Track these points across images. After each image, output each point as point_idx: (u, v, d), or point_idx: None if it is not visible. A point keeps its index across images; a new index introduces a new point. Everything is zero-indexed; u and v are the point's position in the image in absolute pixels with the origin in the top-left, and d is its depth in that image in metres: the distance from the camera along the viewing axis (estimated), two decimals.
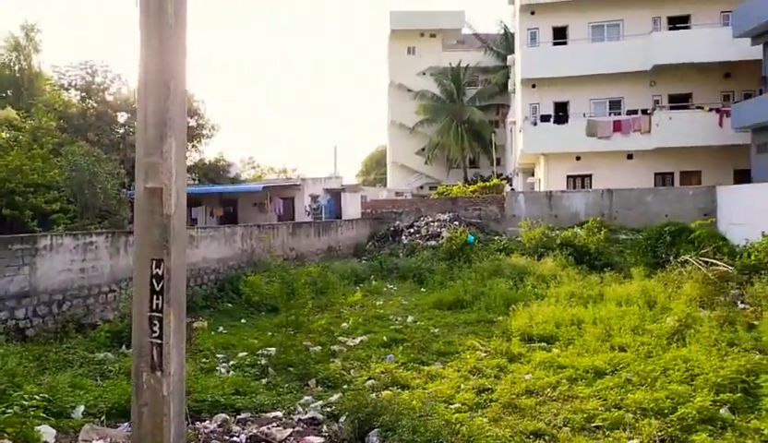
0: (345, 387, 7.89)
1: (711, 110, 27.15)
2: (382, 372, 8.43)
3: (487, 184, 34.38)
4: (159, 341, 3.57)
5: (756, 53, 24.14)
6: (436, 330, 11.39)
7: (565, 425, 6.39)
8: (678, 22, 28.63)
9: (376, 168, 69.78)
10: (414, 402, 6.90)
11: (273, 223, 20.99)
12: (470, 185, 36.58)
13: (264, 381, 8.16)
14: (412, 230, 26.10)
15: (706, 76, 27.92)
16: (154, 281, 3.55)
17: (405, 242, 24.85)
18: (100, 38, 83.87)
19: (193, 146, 31.45)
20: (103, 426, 6.11)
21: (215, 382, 7.64)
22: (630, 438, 6.00)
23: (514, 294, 13.61)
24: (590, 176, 29.13)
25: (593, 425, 6.39)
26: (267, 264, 12.05)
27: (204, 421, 6.37)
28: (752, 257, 14.71)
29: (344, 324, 12.13)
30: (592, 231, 19.96)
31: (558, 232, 21.07)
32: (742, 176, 26.03)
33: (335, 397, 7.38)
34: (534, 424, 6.36)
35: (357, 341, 10.77)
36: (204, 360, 9.31)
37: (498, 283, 14.85)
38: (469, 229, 24.28)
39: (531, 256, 19.19)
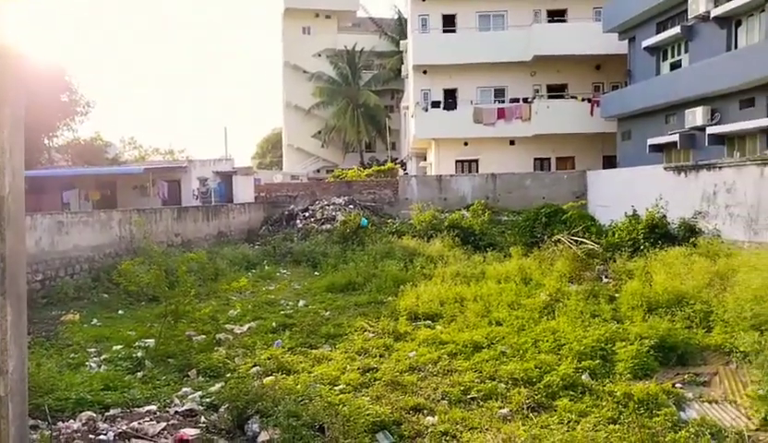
0: (228, 375, 7.66)
1: (583, 100, 29.40)
2: (268, 358, 8.29)
3: (382, 168, 34.85)
4: None
5: (623, 47, 26.40)
6: (326, 314, 11.40)
7: (443, 399, 6.67)
8: (556, 15, 30.54)
9: (272, 151, 68.11)
10: (299, 386, 6.86)
11: (156, 208, 19.80)
12: (365, 168, 36.89)
13: (139, 375, 7.71)
14: (307, 214, 25.83)
15: (580, 67, 30.10)
16: None
17: (300, 226, 24.56)
18: None
19: (65, 124, 28.88)
20: None
21: (82, 378, 7.10)
22: (501, 407, 6.38)
23: (404, 275, 13.95)
24: (477, 161, 30.48)
25: (469, 396, 6.72)
26: (147, 251, 11.33)
27: (67, 421, 5.89)
28: (616, 236, 16.15)
29: (232, 311, 11.76)
30: (477, 213, 20.93)
31: (446, 214, 21.85)
32: (610, 161, 28.52)
33: (217, 387, 7.14)
34: (414, 399, 6.56)
35: (245, 328, 10.51)
36: (72, 355, 8.64)
37: (389, 265, 15.16)
38: (363, 212, 24.48)
39: (421, 238, 19.76)
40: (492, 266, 14.25)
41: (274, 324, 10.47)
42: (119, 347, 9.06)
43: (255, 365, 8.06)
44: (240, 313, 11.59)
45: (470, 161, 30.63)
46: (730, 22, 19.42)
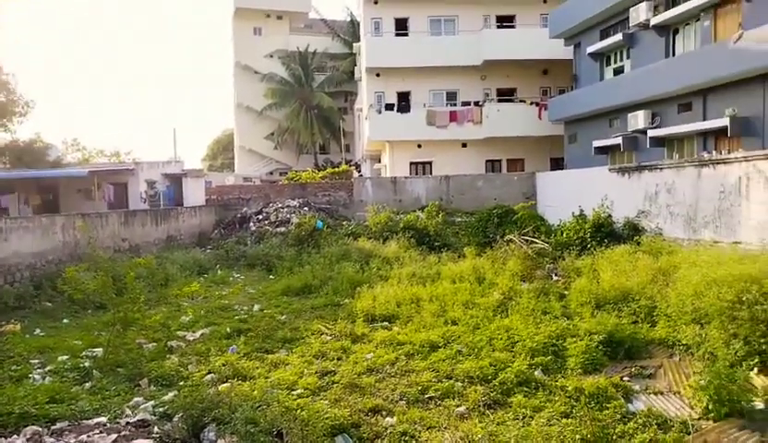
0: (182, 384, 7.47)
1: (532, 103, 30.14)
2: (223, 364, 8.14)
3: (337, 170, 34.73)
4: None
5: (569, 53, 27.23)
6: (282, 317, 11.29)
7: (401, 399, 6.73)
8: (505, 21, 31.21)
9: (223, 153, 66.80)
10: (255, 392, 6.76)
11: (102, 212, 19.09)
12: (320, 170, 36.67)
13: (87, 385, 7.44)
14: (260, 216, 25.45)
15: (528, 72, 30.85)
16: None
17: (253, 229, 24.17)
18: None
19: (2, 124, 27.40)
20: None
21: (25, 391, 6.77)
22: (458, 405, 6.48)
23: (360, 277, 13.96)
24: (430, 163, 30.78)
25: (426, 396, 6.80)
26: (93, 257, 10.91)
27: (10, 436, 5.61)
28: (564, 235, 16.66)
29: (184, 317, 11.49)
30: (431, 214, 21.14)
31: (401, 216, 21.99)
32: (558, 163, 29.37)
33: (170, 395, 6.95)
34: (372, 401, 6.59)
35: (198, 334, 10.29)
36: (14, 367, 8.24)
37: (345, 267, 15.13)
38: (318, 214, 24.32)
39: (377, 239, 19.80)
40: (447, 266, 14.44)
41: (228, 329, 10.28)
42: (65, 358, 8.70)
43: (209, 373, 7.90)
44: (192, 319, 11.33)
45: (424, 163, 30.91)
46: (668, 30, 20.36)
